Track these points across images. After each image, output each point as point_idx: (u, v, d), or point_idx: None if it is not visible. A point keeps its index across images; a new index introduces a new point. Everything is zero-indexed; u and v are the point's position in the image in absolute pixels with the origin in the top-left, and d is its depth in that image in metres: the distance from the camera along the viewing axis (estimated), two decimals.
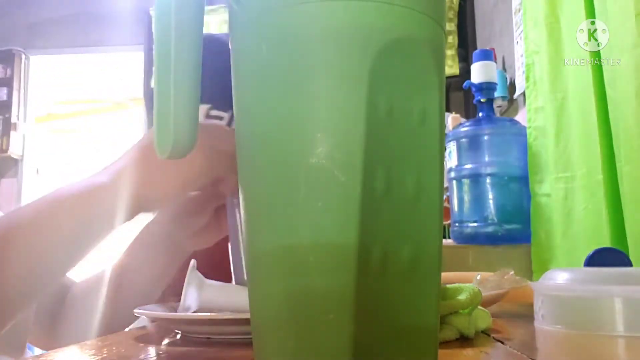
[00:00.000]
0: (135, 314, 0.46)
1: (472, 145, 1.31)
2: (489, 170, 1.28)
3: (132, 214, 0.47)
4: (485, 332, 0.43)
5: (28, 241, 0.44)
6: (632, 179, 0.84)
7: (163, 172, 0.47)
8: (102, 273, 0.61)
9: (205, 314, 0.44)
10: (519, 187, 1.29)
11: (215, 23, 2.90)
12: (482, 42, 2.38)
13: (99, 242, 0.47)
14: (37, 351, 0.69)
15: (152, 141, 0.48)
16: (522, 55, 1.52)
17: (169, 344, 0.42)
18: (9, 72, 3.49)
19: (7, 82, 3.50)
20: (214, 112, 0.78)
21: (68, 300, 0.61)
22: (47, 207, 0.46)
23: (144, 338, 0.45)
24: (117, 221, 0.46)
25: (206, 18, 2.46)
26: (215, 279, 0.54)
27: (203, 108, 0.77)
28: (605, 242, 0.93)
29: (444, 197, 1.31)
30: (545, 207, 1.19)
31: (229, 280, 0.53)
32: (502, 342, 0.39)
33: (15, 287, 0.43)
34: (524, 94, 1.49)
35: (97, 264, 0.63)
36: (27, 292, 0.45)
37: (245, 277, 0.51)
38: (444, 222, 1.42)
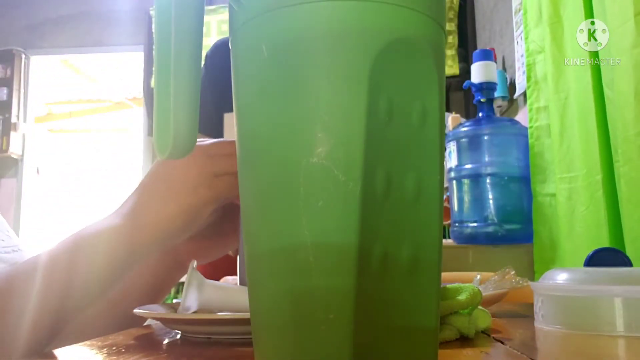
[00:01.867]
0: (135, 314, 0.46)
1: (472, 145, 1.31)
2: (489, 170, 1.29)
3: (150, 252, 0.48)
4: (485, 332, 0.43)
5: (44, 285, 0.43)
6: (629, 180, 0.84)
7: (172, 206, 0.47)
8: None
9: (205, 314, 0.44)
10: (519, 187, 1.29)
11: (215, 23, 2.90)
12: (482, 42, 2.38)
13: (117, 283, 0.47)
14: None
15: (157, 173, 0.49)
16: (522, 55, 1.52)
17: (169, 344, 0.42)
18: (9, 72, 3.49)
19: (7, 82, 3.50)
20: None
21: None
22: (64, 251, 0.46)
23: (144, 338, 0.45)
24: (134, 261, 0.47)
25: (206, 18, 2.47)
26: (215, 278, 0.54)
27: None
28: (605, 241, 0.93)
29: (444, 197, 1.31)
30: (548, 207, 1.20)
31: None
32: (502, 342, 0.39)
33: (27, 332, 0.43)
34: (524, 94, 1.50)
35: None
36: (40, 336, 0.45)
37: None
38: (444, 222, 1.42)
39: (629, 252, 0.84)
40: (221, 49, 1.28)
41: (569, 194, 1.09)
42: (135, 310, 0.45)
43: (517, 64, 1.69)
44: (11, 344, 0.42)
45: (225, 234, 0.57)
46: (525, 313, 0.61)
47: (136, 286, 0.58)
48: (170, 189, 0.48)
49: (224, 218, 0.55)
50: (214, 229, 0.55)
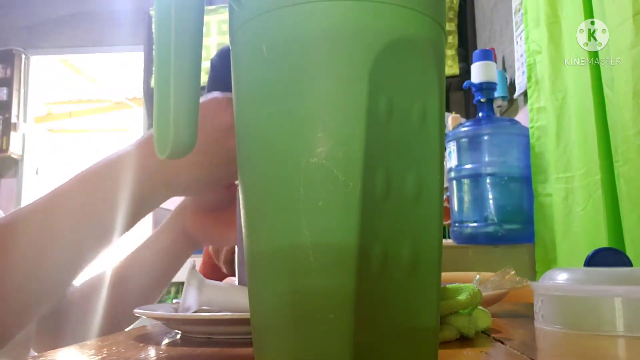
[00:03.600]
0: (135, 314, 0.46)
1: (472, 145, 1.31)
2: (489, 170, 1.29)
3: (160, 195, 0.46)
4: (485, 332, 0.43)
5: (56, 220, 0.42)
6: (629, 179, 0.84)
7: (191, 160, 0.45)
8: (102, 274, 0.61)
9: (205, 314, 0.44)
10: (519, 187, 1.29)
11: (215, 23, 2.90)
12: (482, 42, 2.38)
13: (122, 219, 0.45)
14: None
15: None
16: (522, 55, 1.52)
17: (169, 344, 0.42)
18: (9, 72, 3.49)
19: (7, 82, 3.50)
20: None
21: (67, 303, 0.61)
22: (70, 185, 0.44)
23: (144, 338, 0.45)
24: (141, 191, 0.45)
25: (206, 18, 2.47)
26: (216, 279, 0.54)
27: None
28: (603, 242, 0.93)
29: (444, 197, 1.31)
30: (549, 207, 1.20)
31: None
32: (502, 342, 0.39)
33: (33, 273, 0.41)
34: (524, 94, 1.50)
35: (96, 267, 0.63)
36: (46, 280, 0.43)
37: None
38: (444, 222, 1.42)
39: (629, 252, 0.84)
40: (226, 57, 1.27)
41: (565, 194, 1.09)
42: (135, 310, 0.45)
43: (517, 64, 1.69)
44: (21, 287, 0.40)
45: (229, 216, 0.57)
46: (525, 313, 0.61)
47: (149, 264, 0.58)
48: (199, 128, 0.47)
49: (227, 201, 0.55)
50: (219, 208, 0.55)
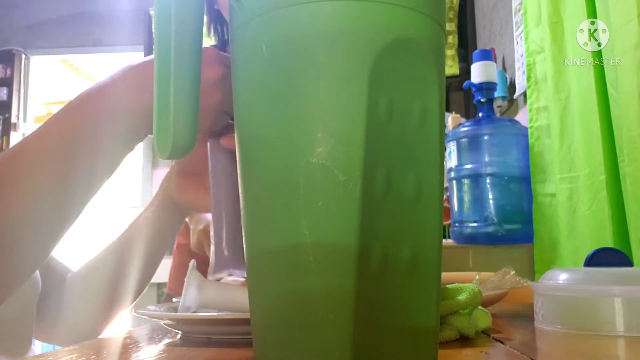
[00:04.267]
0: (135, 314, 0.46)
1: (472, 145, 1.31)
2: (489, 170, 1.28)
3: (145, 130, 0.43)
4: (485, 332, 0.43)
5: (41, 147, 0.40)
6: (634, 179, 0.84)
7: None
8: (98, 254, 0.61)
9: (205, 314, 0.44)
10: (519, 187, 1.29)
11: None
12: (482, 42, 2.38)
13: (105, 156, 0.42)
14: (38, 345, 0.69)
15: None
16: (522, 55, 1.52)
17: (169, 344, 0.42)
18: (9, 72, 3.49)
19: (7, 82, 3.50)
20: None
21: (68, 287, 0.62)
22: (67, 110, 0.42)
23: (144, 338, 0.45)
24: (124, 124, 0.42)
25: (206, 18, 2.46)
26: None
27: None
28: (608, 242, 0.93)
29: (444, 197, 1.31)
30: (548, 207, 1.20)
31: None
32: (502, 342, 0.39)
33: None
34: (524, 94, 1.50)
35: (90, 252, 0.64)
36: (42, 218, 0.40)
37: (226, 252, 0.47)
38: (444, 222, 1.42)
39: (635, 252, 0.84)
40: None
41: (569, 194, 1.09)
42: (136, 311, 0.45)
43: (517, 64, 1.69)
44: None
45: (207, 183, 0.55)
46: (525, 313, 0.61)
47: (142, 234, 0.58)
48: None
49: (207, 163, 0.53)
50: (200, 172, 0.54)
